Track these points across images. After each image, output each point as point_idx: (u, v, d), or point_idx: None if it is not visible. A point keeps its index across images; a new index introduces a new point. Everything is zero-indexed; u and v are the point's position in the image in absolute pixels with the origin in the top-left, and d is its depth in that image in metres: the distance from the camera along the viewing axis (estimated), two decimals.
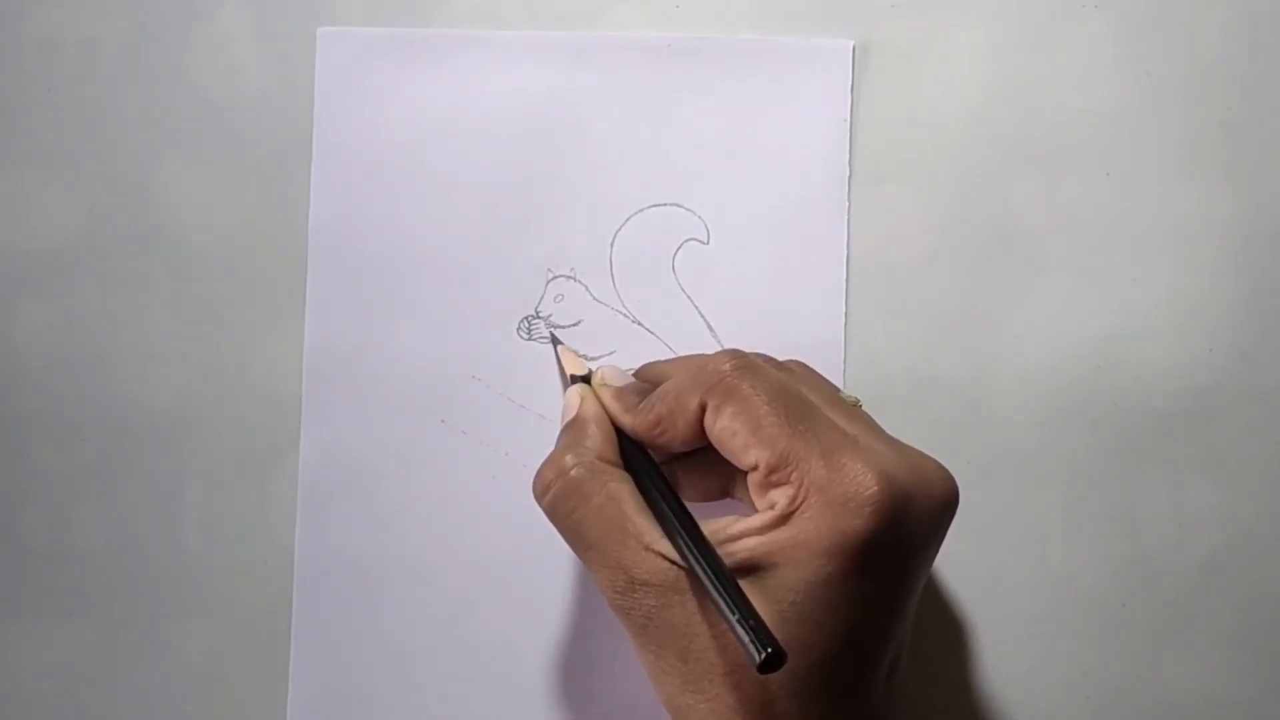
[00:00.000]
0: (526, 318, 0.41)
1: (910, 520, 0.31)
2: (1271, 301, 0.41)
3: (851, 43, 0.41)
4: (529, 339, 0.41)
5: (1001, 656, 0.41)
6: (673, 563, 0.32)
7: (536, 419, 0.41)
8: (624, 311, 0.41)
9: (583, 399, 0.37)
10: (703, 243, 0.41)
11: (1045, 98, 0.42)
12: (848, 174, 0.41)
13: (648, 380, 0.38)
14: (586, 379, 0.38)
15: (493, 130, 0.41)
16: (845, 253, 0.41)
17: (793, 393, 0.33)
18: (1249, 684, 0.41)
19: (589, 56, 0.41)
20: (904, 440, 0.34)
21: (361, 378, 0.41)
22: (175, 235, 0.41)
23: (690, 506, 0.33)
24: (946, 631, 0.41)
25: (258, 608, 0.41)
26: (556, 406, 0.41)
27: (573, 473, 0.34)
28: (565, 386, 0.40)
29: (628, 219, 0.41)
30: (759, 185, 0.41)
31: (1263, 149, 0.42)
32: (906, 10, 0.41)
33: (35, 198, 0.41)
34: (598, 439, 0.35)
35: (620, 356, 0.41)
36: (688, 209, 0.41)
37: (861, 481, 0.31)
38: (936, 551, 0.33)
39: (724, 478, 0.36)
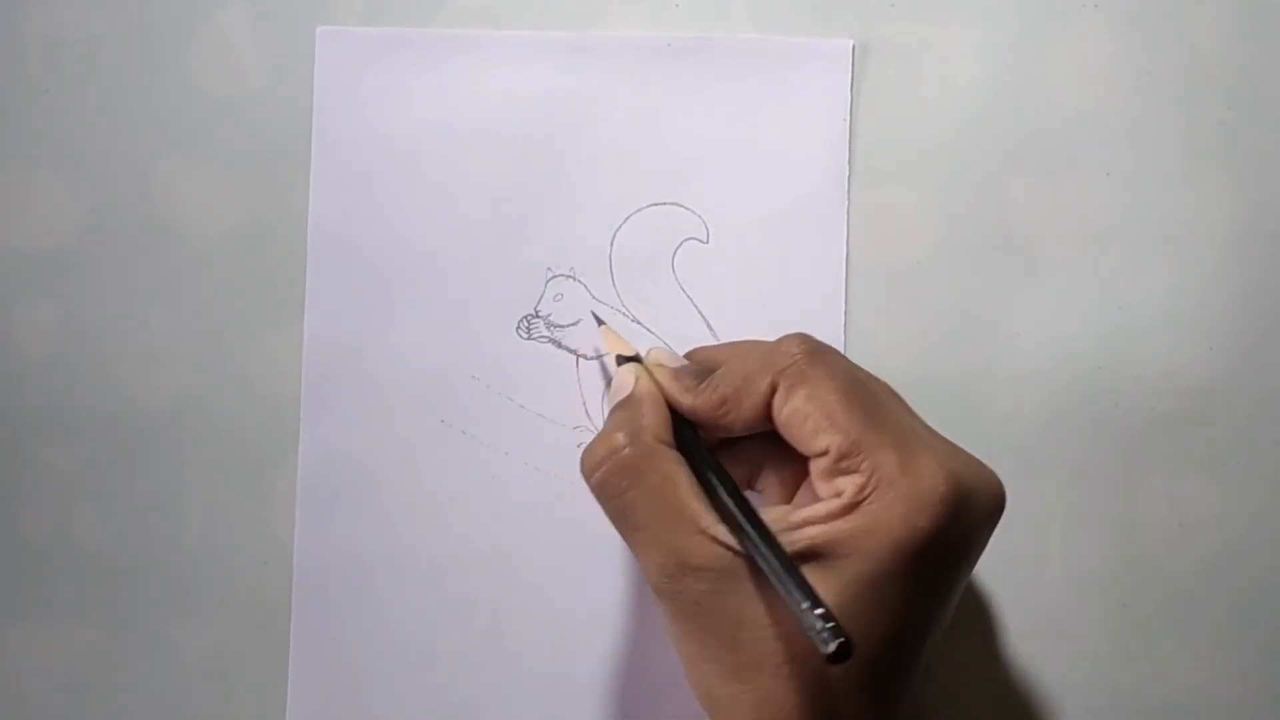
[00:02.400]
0: (526, 317, 0.41)
1: (969, 521, 0.31)
2: (1271, 301, 0.41)
3: (851, 42, 0.41)
4: (528, 338, 0.41)
5: (1001, 656, 0.41)
6: (729, 548, 0.31)
7: (536, 419, 0.41)
8: (624, 310, 0.41)
9: (638, 378, 0.36)
10: (702, 242, 0.41)
11: (1045, 98, 0.42)
12: (847, 173, 0.41)
13: (699, 364, 0.37)
14: (636, 359, 0.37)
15: (492, 129, 0.41)
16: (845, 252, 0.41)
17: (863, 382, 0.33)
18: (1249, 684, 0.41)
19: (588, 56, 0.41)
20: None
21: (361, 377, 0.41)
22: (175, 235, 0.41)
23: None
24: (947, 631, 0.41)
25: (257, 607, 0.41)
26: (556, 406, 0.41)
27: (626, 451, 0.33)
28: (604, 372, 0.40)
29: (627, 218, 0.41)
30: (759, 185, 0.41)
31: (1263, 149, 0.42)
32: (906, 10, 0.41)
33: (35, 198, 0.41)
34: (653, 418, 0.34)
35: (619, 355, 0.41)
36: (687, 208, 0.41)
37: (934, 478, 0.31)
38: (980, 553, 0.33)
39: (752, 469, 0.36)
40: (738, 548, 0.31)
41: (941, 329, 0.41)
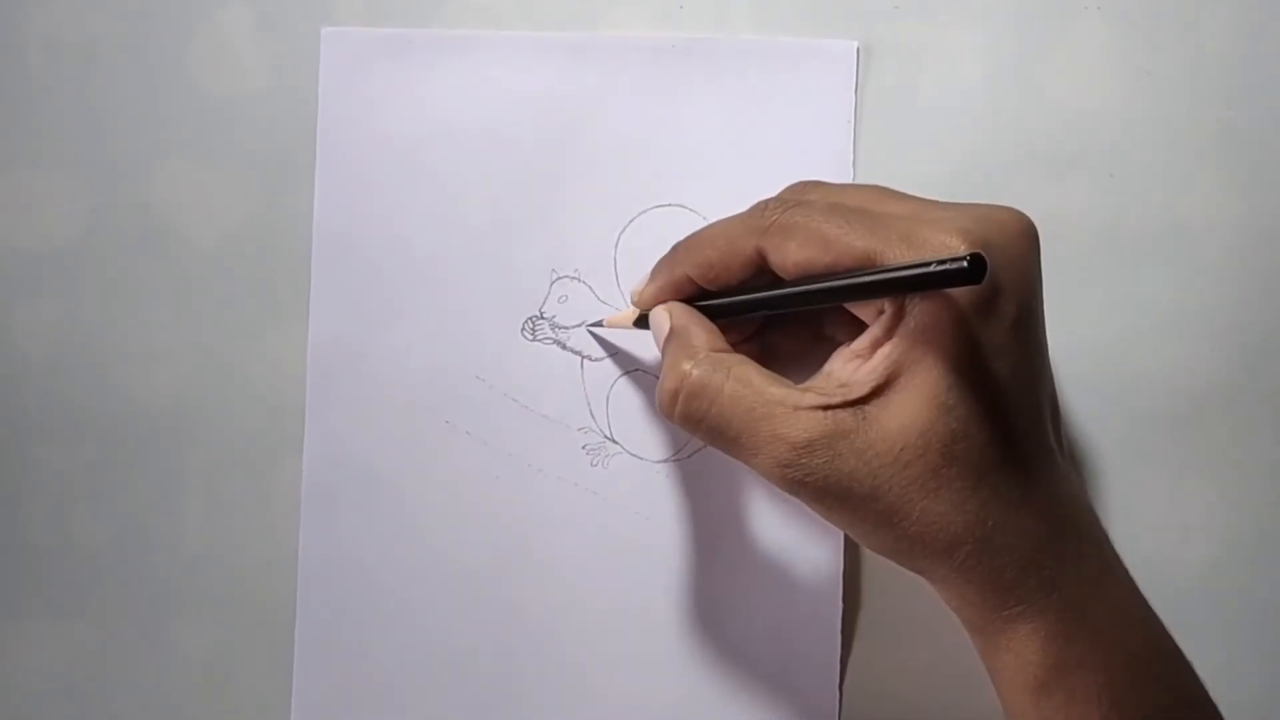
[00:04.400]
0: (530, 318, 0.41)
1: (1003, 267, 0.32)
2: (1271, 301, 0.42)
3: (855, 43, 0.41)
4: (533, 340, 0.41)
5: None
6: (825, 408, 0.32)
7: (541, 420, 0.41)
8: None
9: (670, 314, 0.37)
10: None
11: (1046, 98, 0.42)
12: (851, 175, 0.41)
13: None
14: (643, 319, 0.38)
15: (496, 131, 0.41)
16: None
17: (841, 205, 0.33)
18: (1250, 684, 0.41)
19: (592, 56, 0.41)
20: None
21: (365, 378, 0.41)
22: (177, 236, 0.41)
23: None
24: (946, 631, 0.41)
25: (261, 608, 0.41)
26: (560, 407, 0.41)
27: (694, 374, 0.34)
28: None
29: (632, 220, 0.41)
30: (763, 186, 0.41)
31: (1263, 149, 0.42)
32: (909, 11, 0.41)
33: (35, 198, 0.41)
34: (703, 336, 0.35)
35: (623, 357, 0.41)
36: (691, 210, 0.41)
37: (948, 247, 0.31)
38: (1041, 282, 0.34)
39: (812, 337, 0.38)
40: (833, 401, 0.32)
41: None
